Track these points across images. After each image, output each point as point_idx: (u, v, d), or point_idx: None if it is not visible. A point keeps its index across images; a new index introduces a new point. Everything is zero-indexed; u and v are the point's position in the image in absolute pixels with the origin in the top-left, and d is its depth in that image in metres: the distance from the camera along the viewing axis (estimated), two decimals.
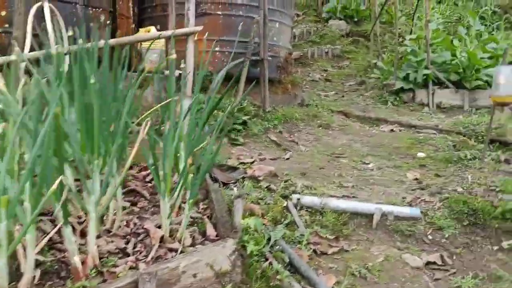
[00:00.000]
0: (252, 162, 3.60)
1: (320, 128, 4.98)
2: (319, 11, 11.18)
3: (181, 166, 2.22)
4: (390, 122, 5.37)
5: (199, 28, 3.11)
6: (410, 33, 8.96)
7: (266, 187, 3.00)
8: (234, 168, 3.06)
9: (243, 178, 2.99)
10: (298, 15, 11.44)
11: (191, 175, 1.95)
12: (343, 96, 7.26)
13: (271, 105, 5.18)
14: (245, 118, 4.71)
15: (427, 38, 6.56)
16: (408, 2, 11.55)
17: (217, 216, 2.18)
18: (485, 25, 10.38)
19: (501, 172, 3.60)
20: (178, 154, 2.26)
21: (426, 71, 6.56)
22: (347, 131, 4.91)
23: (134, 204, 2.40)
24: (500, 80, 3.24)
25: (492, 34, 10.59)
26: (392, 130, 5.00)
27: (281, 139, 4.59)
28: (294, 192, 2.97)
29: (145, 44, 4.04)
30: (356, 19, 10.13)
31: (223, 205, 2.31)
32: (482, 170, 3.55)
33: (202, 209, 2.41)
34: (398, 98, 6.77)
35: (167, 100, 2.25)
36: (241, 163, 3.54)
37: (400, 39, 9.81)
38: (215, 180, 2.91)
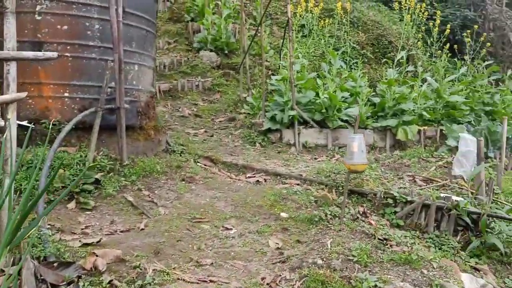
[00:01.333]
0: (99, 241, 3.14)
1: (183, 182, 4.66)
2: (190, 39, 10.94)
3: None
4: (256, 170, 5.27)
5: (23, 94, 2.60)
6: (279, 68, 9.18)
7: (109, 282, 2.58)
8: (67, 264, 2.58)
9: (79, 277, 2.53)
10: (169, 43, 11.09)
11: None
12: (212, 135, 7.06)
13: (130, 156, 4.74)
14: (98, 175, 4.21)
15: (291, 80, 6.69)
16: (277, 34, 11.91)
17: None
18: (346, 60, 11.13)
19: (358, 233, 3.64)
20: None
21: (291, 112, 6.66)
22: (211, 185, 4.67)
23: None
24: (353, 148, 3.27)
25: (352, 69, 11.41)
26: (258, 182, 4.88)
27: (139, 199, 4.17)
28: (142, 286, 2.59)
29: None
30: (226, 51, 10.09)
31: None
32: (340, 234, 3.54)
33: None
34: (266, 139, 6.77)
35: None
36: (84, 244, 3.06)
37: (269, 73, 10.04)
38: (42, 281, 2.42)
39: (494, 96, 10.20)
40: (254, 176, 5.10)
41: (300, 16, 9.23)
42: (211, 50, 10.05)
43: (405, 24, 11.67)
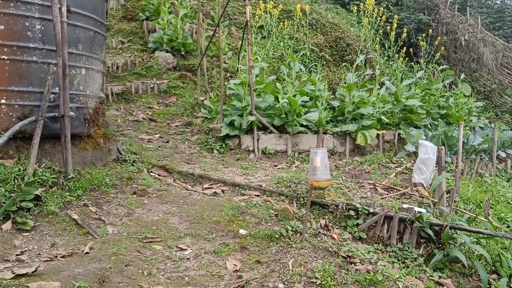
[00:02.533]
0: (35, 271, 2.79)
1: (135, 195, 4.34)
2: (145, 39, 10.52)
3: None
4: (214, 181, 5.01)
5: None
6: (237, 71, 8.95)
7: None
8: None
9: None
10: (122, 43, 10.62)
11: None
12: (167, 142, 6.73)
13: (76, 168, 4.37)
14: (38, 191, 3.82)
15: (250, 84, 6.47)
16: (235, 35, 11.66)
17: None
18: (305, 62, 11.04)
19: (321, 250, 3.46)
20: None
21: (250, 118, 6.44)
22: (165, 198, 4.37)
23: None
24: (316, 163, 3.08)
25: (311, 72, 11.34)
26: (215, 193, 4.63)
27: (85, 216, 3.82)
28: None
29: None
30: (183, 52, 9.74)
31: None
32: (302, 252, 3.34)
33: None
34: (224, 145, 6.52)
35: None
36: (17, 275, 2.71)
37: (228, 75, 9.79)
38: None
39: (448, 100, 10.41)
40: (212, 187, 4.84)
41: (259, 17, 9.03)
42: (167, 51, 9.68)
43: (363, 27, 11.73)
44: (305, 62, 11.12)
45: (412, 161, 6.74)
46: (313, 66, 11.69)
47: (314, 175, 3.12)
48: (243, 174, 5.44)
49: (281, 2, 13.06)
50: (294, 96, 6.93)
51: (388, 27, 9.76)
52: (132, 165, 5.16)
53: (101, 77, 5.16)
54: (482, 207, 5.70)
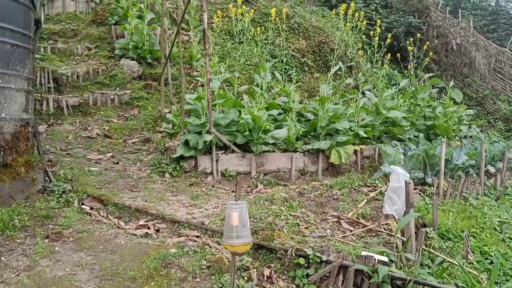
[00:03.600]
0: None
1: (47, 240, 3.68)
2: (113, 45, 9.85)
3: None
4: (151, 216, 4.35)
5: None
6: (197, 84, 8.32)
7: None
8: None
9: None
10: (89, 49, 9.96)
11: None
12: (117, 163, 6.08)
13: None
14: None
15: (208, 99, 5.81)
16: (211, 40, 10.99)
17: None
18: (285, 69, 10.38)
19: None
20: None
21: (208, 137, 5.79)
22: (83, 243, 3.71)
23: None
24: (233, 221, 2.43)
25: (291, 80, 10.68)
26: (147, 234, 3.97)
27: None
28: None
29: None
30: (149, 60, 9.08)
31: None
32: None
33: None
34: (178, 167, 5.86)
35: None
36: None
37: (199, 83, 9.13)
38: None
39: (435, 110, 9.78)
40: (147, 225, 4.18)
41: (237, 20, 8.41)
42: (132, 59, 9.03)
43: (346, 34, 11.10)
44: (285, 69, 10.47)
45: (388, 183, 6.10)
46: (294, 73, 11.03)
47: (229, 238, 2.47)
48: (191, 205, 4.79)
49: (262, 5, 12.42)
50: (265, 109, 6.27)
51: (372, 33, 9.11)
52: (61, 196, 4.50)
53: (25, 96, 4.50)
54: (463, 239, 5.07)
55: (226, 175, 6.00)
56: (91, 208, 4.49)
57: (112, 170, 5.71)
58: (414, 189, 6.27)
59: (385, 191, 5.75)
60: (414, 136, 8.83)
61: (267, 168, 6.37)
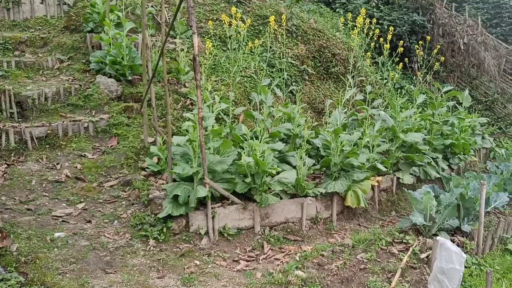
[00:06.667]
0: None
1: None
2: (89, 57, 8.58)
3: None
4: None
5: None
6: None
7: None
8: None
9: None
10: (61, 61, 8.71)
11: None
12: (90, 221, 4.93)
13: None
14: None
15: (201, 143, 4.66)
16: (201, 48, 9.77)
17: None
18: (285, 80, 9.21)
19: None
20: None
21: (201, 192, 4.64)
22: None
23: None
24: None
25: (291, 94, 9.54)
26: None
27: None
28: None
29: None
30: (129, 78, 7.85)
31: None
32: None
33: None
34: (165, 229, 4.72)
35: None
36: None
37: (188, 102, 7.97)
38: None
39: (453, 126, 8.76)
40: None
41: (229, 25, 7.26)
42: (110, 75, 7.80)
43: (351, 40, 9.98)
44: (283, 78, 9.30)
45: (420, 241, 5.06)
46: (294, 83, 9.91)
47: None
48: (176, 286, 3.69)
49: (256, 5, 11.20)
50: (262, 154, 5.14)
51: (382, 40, 7.97)
52: None
53: None
54: None
55: (225, 234, 4.90)
56: None
57: (82, 236, 4.56)
58: (452, 241, 5.24)
59: (419, 250, 4.72)
60: (433, 159, 7.80)
61: (274, 220, 5.28)
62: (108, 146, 6.60)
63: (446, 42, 14.00)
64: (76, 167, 6.06)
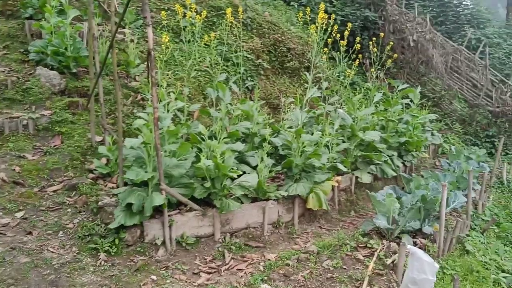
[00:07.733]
0: None
1: None
2: (28, 46, 7.84)
3: None
4: None
5: None
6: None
7: None
8: None
9: None
10: None
11: None
12: (30, 232, 4.42)
13: None
14: None
15: (157, 146, 4.27)
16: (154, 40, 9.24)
17: None
18: (240, 73, 8.89)
19: None
20: None
21: (157, 200, 4.27)
22: None
23: None
24: None
25: (247, 90, 9.26)
26: None
27: None
28: None
29: None
30: (74, 70, 7.23)
31: None
32: None
33: None
34: (118, 241, 4.31)
35: None
36: None
37: (138, 97, 7.47)
38: None
39: (408, 124, 8.83)
40: None
41: (183, 15, 6.83)
42: (52, 67, 7.15)
43: (308, 44, 9.83)
44: (239, 72, 8.98)
45: (384, 243, 4.96)
46: (249, 78, 9.60)
47: None
48: None
49: None
50: (222, 157, 4.83)
51: (338, 35, 7.82)
52: None
53: None
54: None
55: (183, 243, 4.56)
56: None
57: (22, 251, 4.06)
58: (414, 243, 5.20)
59: (384, 255, 4.61)
60: (389, 157, 7.79)
61: (234, 226, 4.99)
62: (50, 146, 6.03)
63: (397, 39, 14.19)
64: (14, 169, 5.46)
